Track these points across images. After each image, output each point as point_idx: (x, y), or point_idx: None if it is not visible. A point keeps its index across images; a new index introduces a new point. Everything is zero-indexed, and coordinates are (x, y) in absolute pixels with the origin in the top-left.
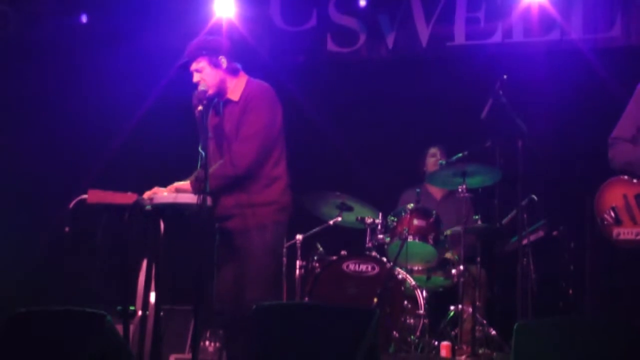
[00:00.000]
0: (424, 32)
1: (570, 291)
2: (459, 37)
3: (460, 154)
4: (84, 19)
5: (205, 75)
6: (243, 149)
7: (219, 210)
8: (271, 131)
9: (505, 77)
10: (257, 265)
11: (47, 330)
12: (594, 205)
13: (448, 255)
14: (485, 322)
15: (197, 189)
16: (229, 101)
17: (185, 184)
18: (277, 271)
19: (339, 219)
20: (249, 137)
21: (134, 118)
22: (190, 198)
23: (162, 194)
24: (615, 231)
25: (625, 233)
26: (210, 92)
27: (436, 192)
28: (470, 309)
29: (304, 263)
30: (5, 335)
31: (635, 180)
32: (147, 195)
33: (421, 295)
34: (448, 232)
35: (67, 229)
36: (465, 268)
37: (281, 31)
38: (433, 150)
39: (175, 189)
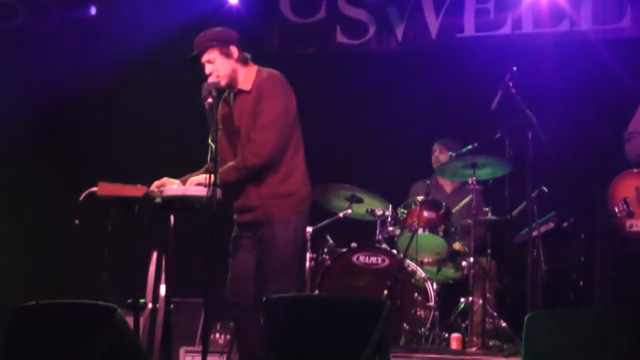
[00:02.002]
0: (433, 24)
1: (581, 283)
2: (469, 28)
3: (470, 146)
4: (92, 10)
5: (218, 66)
6: (263, 137)
7: (241, 202)
8: (287, 118)
9: (514, 68)
10: (281, 256)
11: (57, 323)
12: (606, 198)
13: (457, 245)
14: (495, 314)
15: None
16: (240, 91)
17: (203, 178)
18: (299, 262)
19: (349, 211)
20: (267, 126)
21: (138, 110)
22: (200, 190)
23: (172, 186)
24: (628, 223)
25: (638, 225)
26: (223, 82)
27: (446, 184)
28: (481, 301)
29: (314, 255)
30: (14, 329)
31: None
32: (155, 184)
33: (431, 287)
34: (456, 208)
35: (76, 221)
36: (475, 260)
37: (290, 23)
38: (434, 146)
39: (196, 184)
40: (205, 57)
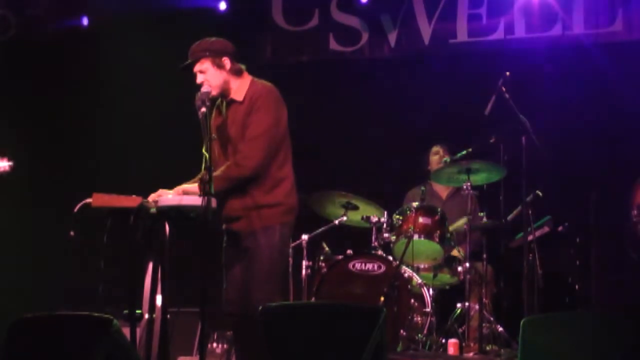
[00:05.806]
0: (426, 30)
1: (577, 286)
2: (461, 34)
3: (464, 151)
4: (84, 21)
5: (209, 76)
6: (249, 150)
7: (226, 212)
8: (276, 131)
9: (507, 73)
10: (264, 266)
11: (54, 335)
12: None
13: (454, 252)
14: (492, 318)
15: (203, 190)
16: (232, 101)
17: (193, 186)
18: (284, 272)
19: (345, 218)
20: (255, 138)
21: (137, 121)
22: (195, 200)
23: (167, 196)
24: None
25: None
26: (214, 93)
27: (441, 190)
28: (477, 306)
29: (310, 263)
30: (11, 341)
31: None
32: (152, 197)
33: (428, 293)
34: (453, 226)
35: (71, 233)
36: (471, 265)
37: (283, 31)
38: (436, 148)
39: (182, 191)
40: (197, 67)
